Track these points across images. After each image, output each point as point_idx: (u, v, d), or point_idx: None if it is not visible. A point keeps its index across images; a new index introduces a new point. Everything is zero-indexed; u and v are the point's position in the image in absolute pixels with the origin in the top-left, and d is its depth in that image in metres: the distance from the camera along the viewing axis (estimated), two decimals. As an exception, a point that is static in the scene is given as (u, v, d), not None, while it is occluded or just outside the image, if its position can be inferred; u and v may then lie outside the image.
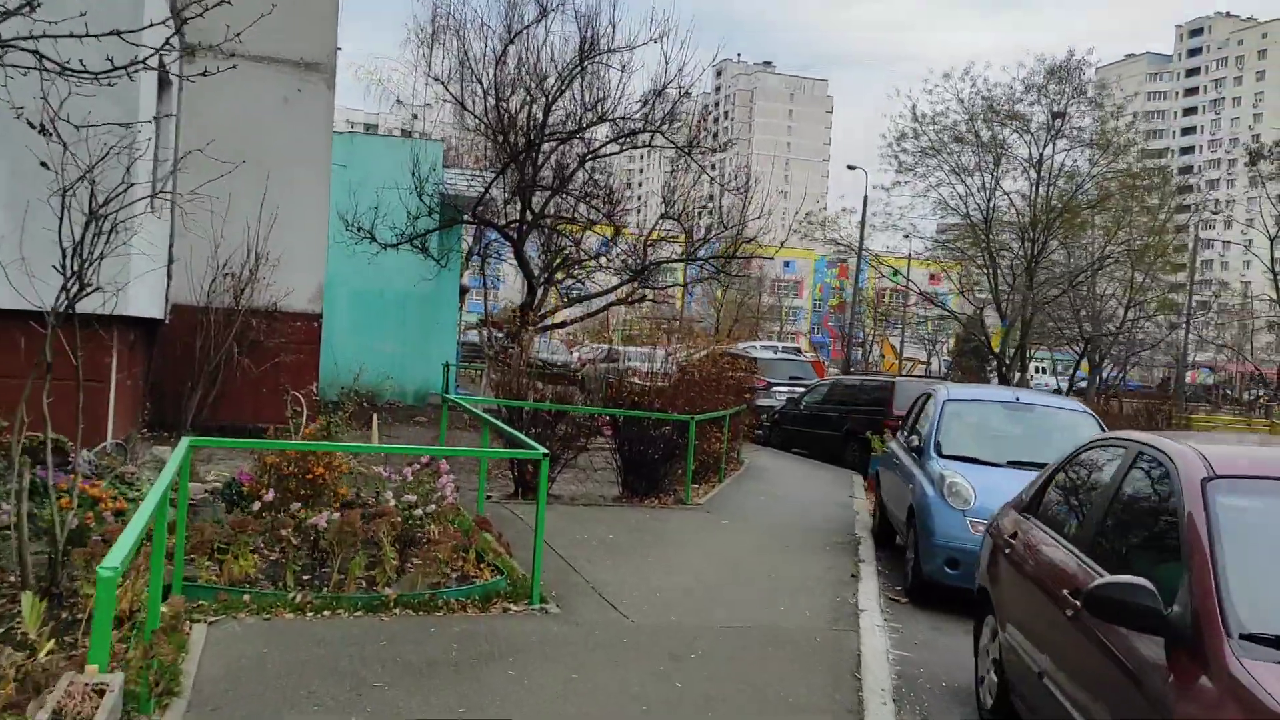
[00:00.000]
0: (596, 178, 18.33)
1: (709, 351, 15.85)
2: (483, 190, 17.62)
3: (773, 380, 21.94)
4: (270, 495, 7.19)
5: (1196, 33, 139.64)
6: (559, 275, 20.44)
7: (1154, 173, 31.94)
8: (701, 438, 12.84)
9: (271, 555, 7.04)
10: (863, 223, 36.51)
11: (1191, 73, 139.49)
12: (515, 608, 6.69)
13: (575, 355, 25.41)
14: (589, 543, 9.08)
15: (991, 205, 31.99)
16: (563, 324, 19.09)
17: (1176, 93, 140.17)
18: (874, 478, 12.00)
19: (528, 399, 11.54)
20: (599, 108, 17.48)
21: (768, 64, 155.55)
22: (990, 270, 31.03)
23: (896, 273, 68.71)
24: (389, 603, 6.38)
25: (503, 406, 11.51)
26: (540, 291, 19.65)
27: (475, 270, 27.30)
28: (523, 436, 7.64)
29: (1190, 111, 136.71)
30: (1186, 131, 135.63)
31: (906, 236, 35.01)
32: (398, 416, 18.85)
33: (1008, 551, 5.42)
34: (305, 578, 6.78)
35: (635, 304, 19.64)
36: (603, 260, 19.06)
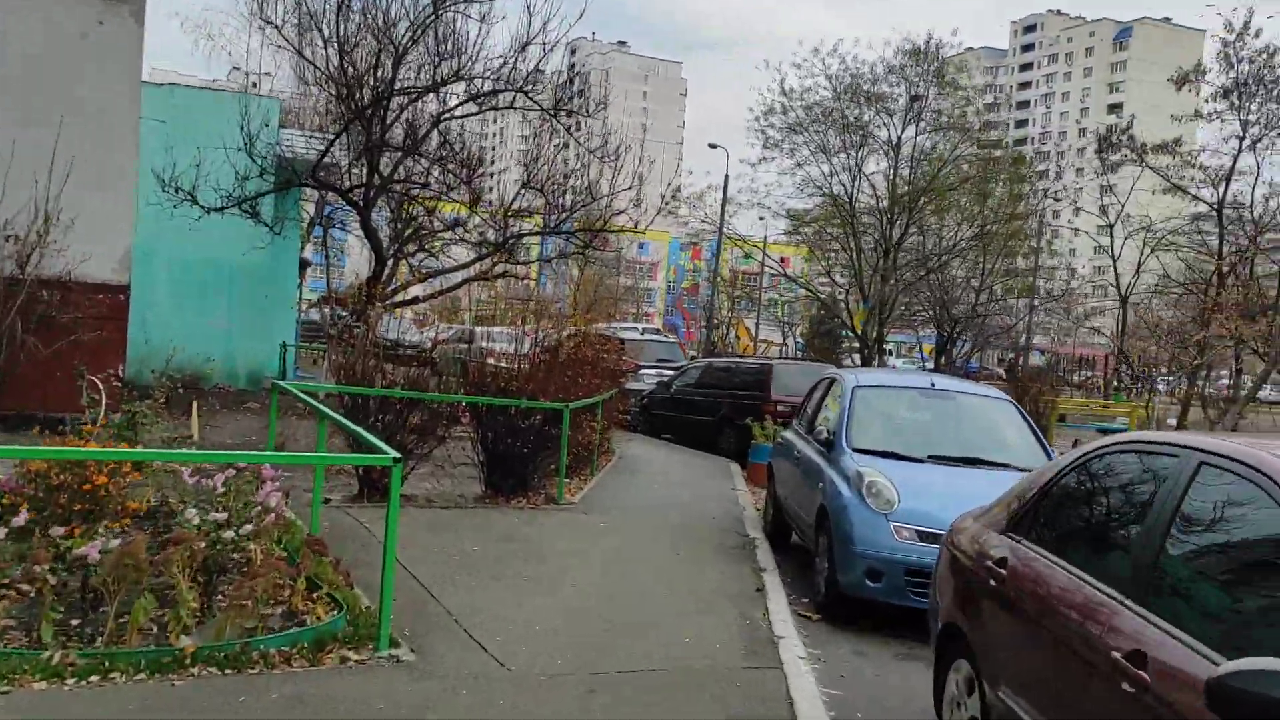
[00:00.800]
0: (452, 140, 16.65)
1: (580, 331, 14.48)
2: (322, 150, 15.71)
3: (641, 363, 20.76)
4: (24, 516, 5.45)
5: (1030, 29, 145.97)
6: (410, 248, 18.68)
7: (1011, 159, 32.26)
8: (574, 427, 11.51)
9: (33, 593, 5.34)
10: (723, 200, 35.76)
11: (1025, 67, 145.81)
12: (357, 656, 5.20)
13: (426, 335, 23.56)
14: (450, 557, 7.62)
15: (856, 185, 31.69)
16: (414, 301, 17.38)
17: (1011, 86, 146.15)
18: (767, 471, 10.92)
19: (375, 384, 9.94)
20: (455, 63, 15.81)
21: (622, 44, 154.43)
22: (854, 251, 30.73)
23: (748, 256, 68.85)
24: (185, 659, 4.80)
25: (346, 394, 9.86)
26: (390, 265, 17.88)
27: (319, 244, 25.12)
28: (368, 435, 6.12)
29: (1023, 105, 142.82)
30: (1020, 124, 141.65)
31: (761, 218, 34.39)
32: (227, 403, 16.80)
33: (993, 584, 4.28)
34: (75, 623, 5.13)
35: (494, 280, 18.08)
36: (459, 232, 17.41)
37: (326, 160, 16.56)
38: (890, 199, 31.78)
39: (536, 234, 18.21)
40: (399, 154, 16.68)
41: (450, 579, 6.96)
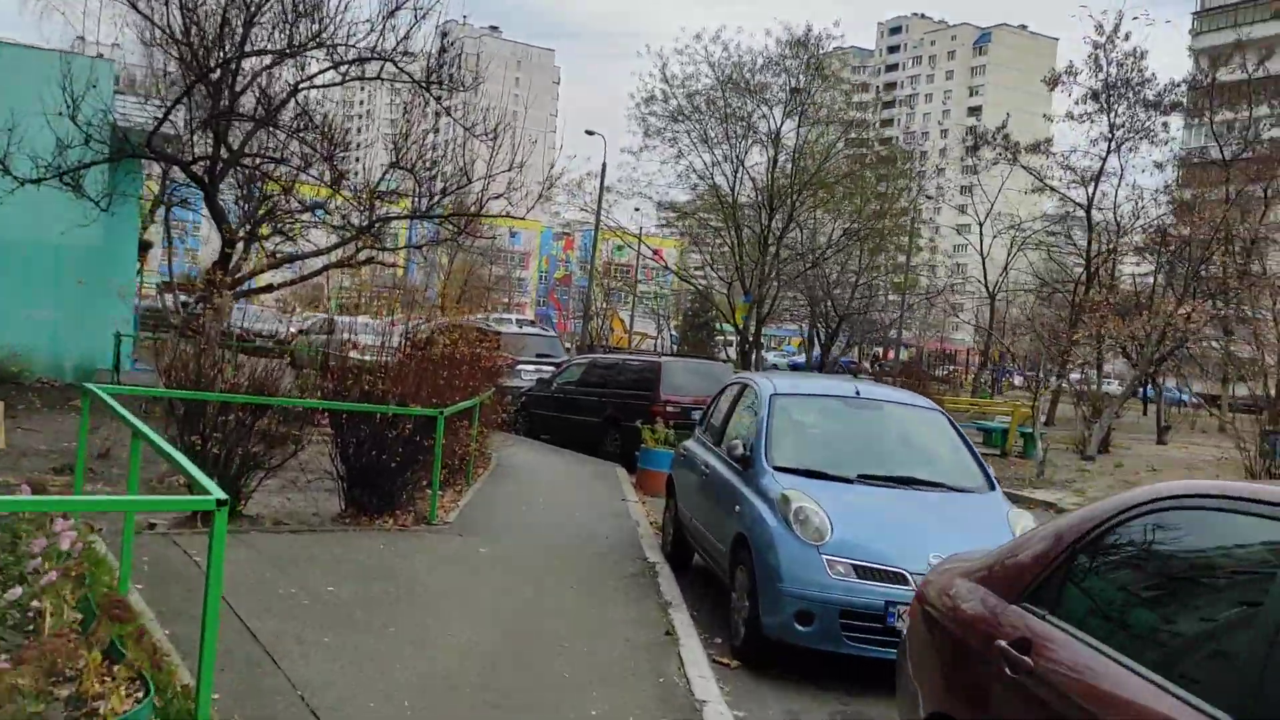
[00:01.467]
0: (311, 111, 15.01)
1: (454, 325, 13.15)
2: (160, 117, 13.88)
3: (518, 358, 19.47)
4: None
5: (896, 30, 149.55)
6: (264, 230, 16.93)
7: (891, 155, 32.21)
8: (449, 433, 10.24)
9: None
10: (601, 187, 34.67)
11: (891, 68, 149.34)
12: (163, 771, 3.89)
13: (283, 324, 21.76)
14: (300, 605, 6.29)
15: (738, 177, 31.08)
16: (269, 288, 15.69)
17: (878, 86, 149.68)
18: (666, 485, 9.88)
19: (215, 386, 8.43)
20: (314, 24, 14.20)
21: (494, 29, 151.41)
22: (735, 244, 30.10)
23: (621, 248, 67.93)
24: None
25: (179, 400, 8.33)
26: (241, 248, 16.13)
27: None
28: (189, 467, 4.74)
29: (889, 105, 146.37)
30: (885, 124, 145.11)
31: (638, 209, 33.52)
32: (49, 400, 14.82)
33: (1010, 673, 3.29)
34: None
35: (358, 267, 16.53)
36: (320, 214, 15.79)
37: (167, 130, 14.72)
38: (770, 191, 31.30)
39: (405, 218, 16.73)
40: (251, 126, 14.96)
41: (299, 636, 5.65)
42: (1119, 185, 34.08)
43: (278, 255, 16.31)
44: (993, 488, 7.20)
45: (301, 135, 14.56)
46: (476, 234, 17.99)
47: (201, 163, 14.75)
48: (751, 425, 7.67)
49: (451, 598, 6.82)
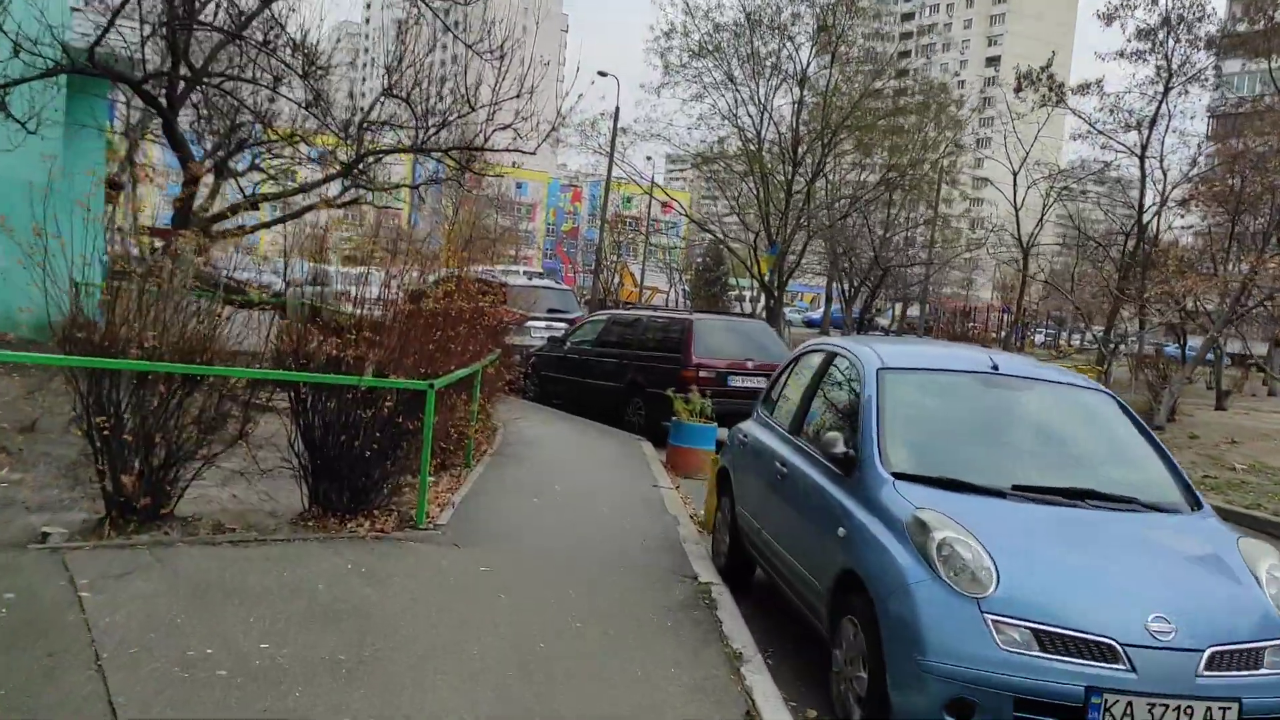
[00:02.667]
0: (283, 19, 12.79)
1: (452, 274, 11.05)
2: (104, 27, 11.67)
3: (528, 314, 17.39)
4: None
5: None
6: (238, 166, 14.83)
7: (924, 99, 29.76)
8: (443, 407, 8.23)
9: None
10: (614, 130, 32.29)
11: (907, 17, 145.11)
12: None
13: (281, 277, 19.91)
14: (212, 677, 4.28)
15: (765, 118, 28.71)
16: (240, 230, 13.59)
17: (894, 35, 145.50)
18: (717, 478, 7.84)
19: (131, 349, 6.36)
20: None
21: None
22: (761, 192, 27.83)
23: (630, 199, 65.37)
24: None
25: (83, 369, 6.29)
26: (212, 183, 14.06)
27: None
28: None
29: (905, 55, 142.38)
30: (900, 74, 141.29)
31: (649, 158, 31.01)
32: (-11, 360, 12.78)
33: None
34: None
35: (348, 208, 14.42)
36: (300, 148, 13.62)
37: (119, 47, 12.53)
38: (794, 136, 28.94)
39: (398, 151, 14.56)
40: (217, 40, 12.77)
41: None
42: (1165, 132, 31.75)
43: (256, 195, 14.18)
44: (1199, 504, 5.13)
45: (273, 49, 12.36)
46: (481, 172, 15.81)
47: (159, 82, 12.57)
48: (849, 411, 5.61)
49: (438, 658, 4.80)
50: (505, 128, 14.32)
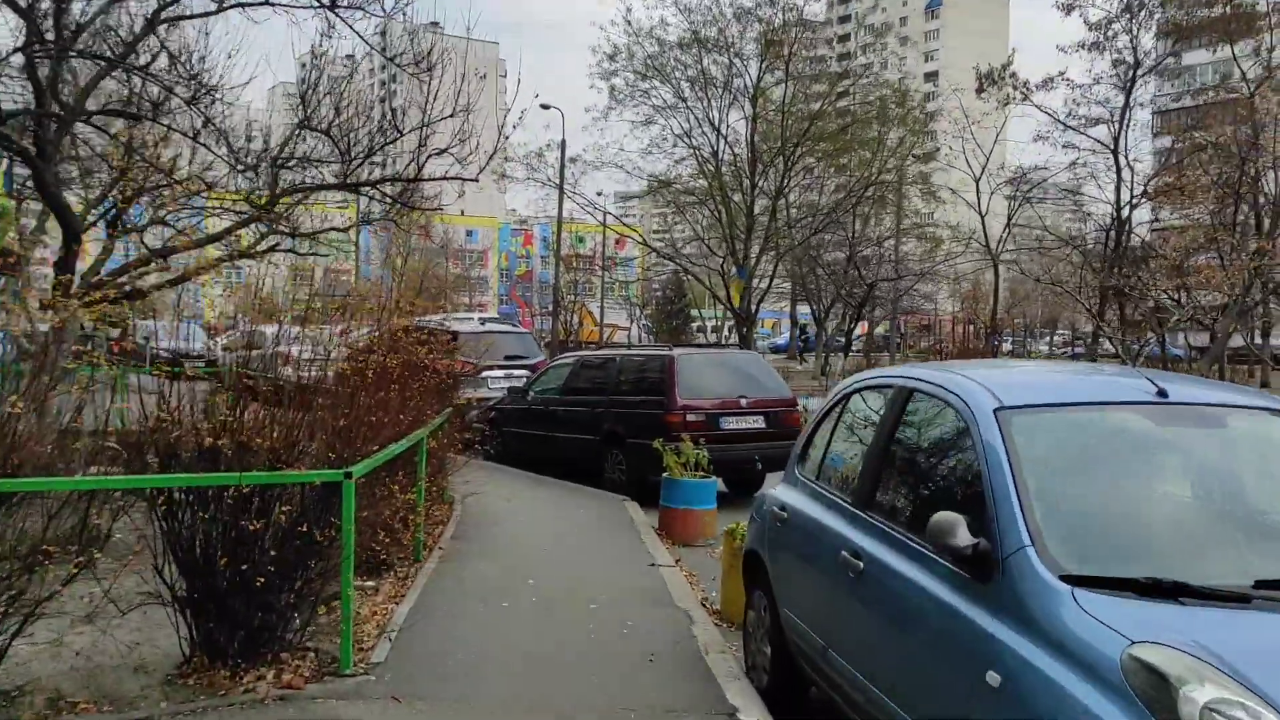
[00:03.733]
0: (173, 49, 10.85)
1: (385, 328, 9.14)
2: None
3: (484, 362, 15.46)
4: None
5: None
6: (141, 222, 12.83)
7: (890, 97, 28.34)
8: (371, 496, 6.28)
9: None
10: (562, 159, 30.56)
11: (843, 39, 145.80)
12: None
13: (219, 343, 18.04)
14: None
15: (721, 137, 27.12)
16: (137, 294, 11.53)
17: (832, 58, 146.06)
18: (746, 564, 5.93)
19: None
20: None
21: (435, 24, 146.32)
22: (723, 213, 26.17)
23: (582, 239, 63.79)
24: None
25: None
26: (105, 242, 12.08)
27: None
28: None
29: (843, 76, 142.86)
30: (841, 95, 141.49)
31: (599, 193, 29.16)
32: None
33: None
34: None
35: (261, 257, 12.42)
36: (193, 186, 11.63)
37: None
38: (751, 154, 27.39)
39: (319, 189, 12.61)
40: (99, 66, 10.81)
41: None
42: (1124, 126, 30.60)
43: (154, 249, 12.18)
44: None
45: (153, 75, 10.41)
46: (420, 208, 13.91)
47: (20, 124, 10.58)
48: (960, 476, 3.74)
49: None
50: (441, 152, 12.43)
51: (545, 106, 40.64)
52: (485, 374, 15.69)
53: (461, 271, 73.47)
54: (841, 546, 4.31)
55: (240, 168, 11.31)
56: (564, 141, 31.61)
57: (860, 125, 26.21)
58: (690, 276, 31.54)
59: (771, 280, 28.33)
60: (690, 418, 11.16)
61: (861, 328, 59.01)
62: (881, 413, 4.52)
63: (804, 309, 60.38)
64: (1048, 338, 60.83)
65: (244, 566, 4.89)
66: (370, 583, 7.03)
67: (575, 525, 9.79)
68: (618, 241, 59.98)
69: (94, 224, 11.51)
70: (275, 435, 5.14)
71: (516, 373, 15.58)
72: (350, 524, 5.02)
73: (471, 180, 12.69)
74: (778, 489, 5.52)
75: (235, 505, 4.93)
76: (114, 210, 12.26)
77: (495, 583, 7.25)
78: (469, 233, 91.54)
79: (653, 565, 8.05)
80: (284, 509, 4.85)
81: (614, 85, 27.13)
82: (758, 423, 11.71)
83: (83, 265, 11.76)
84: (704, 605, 7.16)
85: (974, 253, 40.21)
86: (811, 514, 4.82)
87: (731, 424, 11.49)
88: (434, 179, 12.99)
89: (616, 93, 27.34)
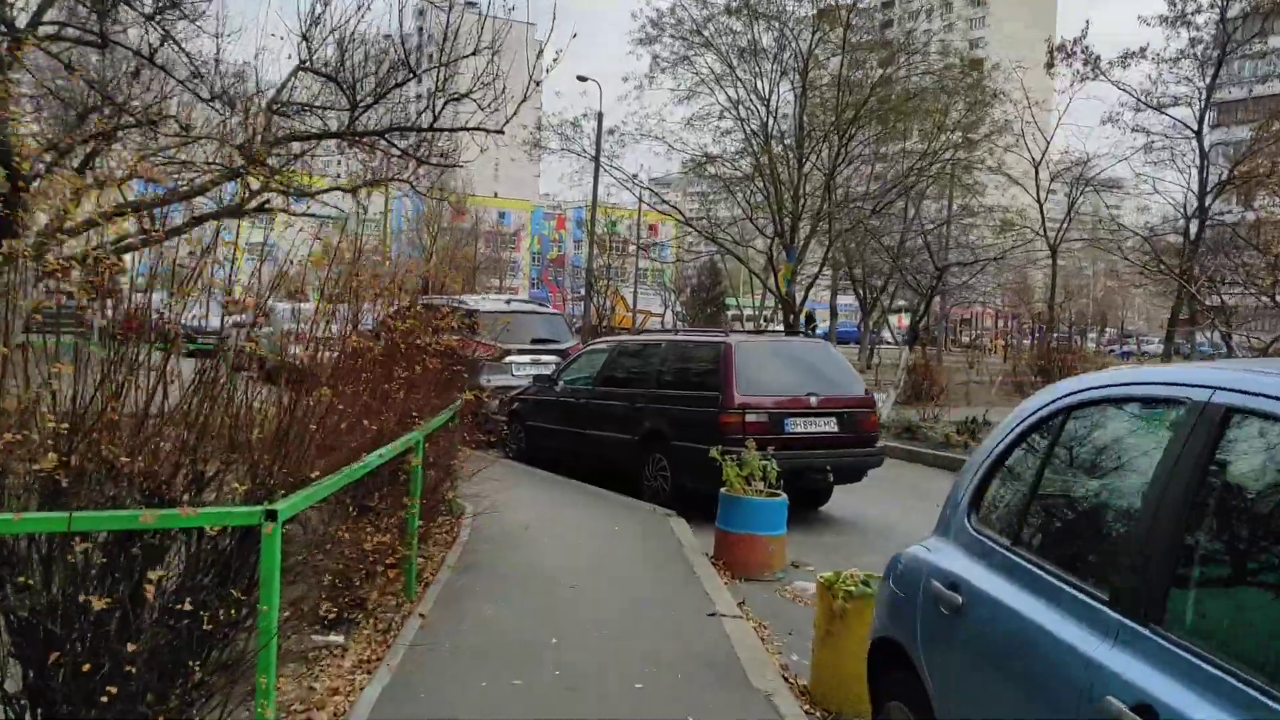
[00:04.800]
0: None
1: (387, 307, 7.26)
2: None
3: (508, 346, 13.61)
4: None
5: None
6: (118, 173, 11.06)
7: (960, 68, 26.16)
8: (328, 541, 4.45)
9: None
10: (598, 137, 28.59)
11: (885, 25, 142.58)
12: None
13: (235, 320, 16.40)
14: None
15: (771, 113, 25.04)
16: (99, 251, 9.83)
17: (876, 8, 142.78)
18: (883, 655, 4.04)
19: None
20: None
21: (470, 3, 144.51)
22: (774, 192, 24.15)
23: (615, 224, 61.88)
24: None
25: None
26: (69, 192, 10.29)
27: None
28: None
29: (887, 63, 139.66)
30: (883, 83, 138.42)
31: (635, 177, 26.99)
32: None
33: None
34: None
35: (253, 215, 10.64)
36: (168, 129, 9.86)
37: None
38: (798, 129, 25.32)
39: (316, 137, 10.79)
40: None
41: None
42: (1206, 107, 28.26)
43: (133, 202, 10.44)
44: None
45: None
46: (437, 163, 12.07)
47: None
48: None
49: None
50: (462, 97, 10.63)
51: (582, 78, 38.87)
52: (509, 359, 13.89)
53: (490, 252, 71.70)
54: (1103, 685, 2.41)
55: (217, 104, 9.49)
56: (601, 114, 29.69)
57: (924, 97, 24.09)
58: (730, 259, 29.50)
59: (822, 265, 26.26)
60: (750, 418, 9.26)
61: (898, 320, 56.71)
62: (1167, 444, 2.59)
63: (844, 300, 58.16)
64: (1094, 335, 58.28)
65: (100, 663, 3.06)
66: (336, 637, 5.21)
67: (611, 551, 7.91)
68: (652, 227, 57.82)
69: (50, 167, 9.73)
70: (161, 448, 3.30)
71: (545, 358, 13.72)
72: (273, 592, 3.18)
73: (496, 132, 10.84)
74: (932, 547, 3.60)
75: (86, 566, 3.10)
76: (86, 154, 10.57)
77: (506, 641, 5.40)
78: (501, 215, 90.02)
79: (713, 615, 6.17)
80: (147, 576, 2.99)
81: (656, 53, 25.13)
82: (829, 425, 9.78)
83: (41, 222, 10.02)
84: (786, 677, 5.30)
85: (1024, 242, 37.90)
86: (1018, 607, 2.90)
87: (798, 426, 9.57)
88: (453, 129, 11.16)
89: (659, 61, 25.35)
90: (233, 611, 3.21)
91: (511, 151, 30.59)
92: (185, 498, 3.36)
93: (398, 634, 5.40)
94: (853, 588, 5.04)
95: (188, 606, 3.04)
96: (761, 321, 41.70)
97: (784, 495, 7.82)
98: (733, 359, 9.56)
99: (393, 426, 5.23)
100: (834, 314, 56.18)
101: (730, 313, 57.89)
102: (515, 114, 10.91)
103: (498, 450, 12.41)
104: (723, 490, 7.79)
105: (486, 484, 9.00)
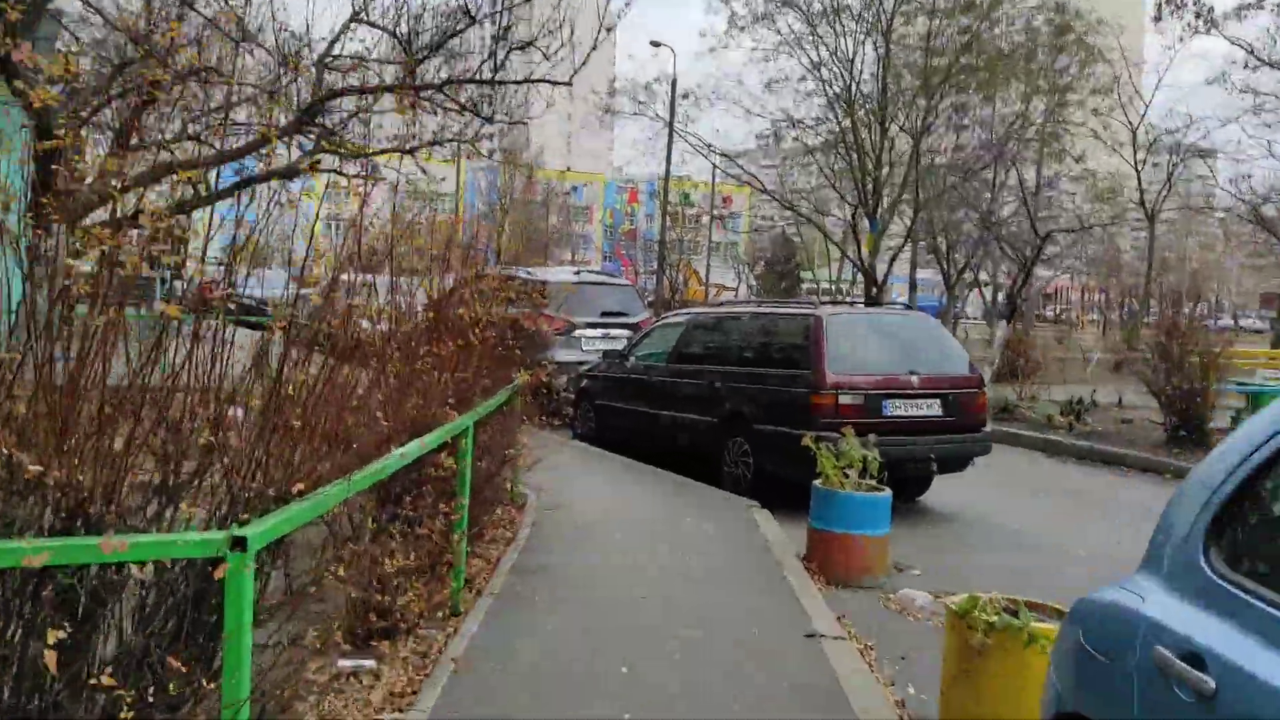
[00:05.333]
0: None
1: (455, 276, 6.42)
2: None
3: (577, 320, 12.75)
4: None
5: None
6: (166, 136, 10.41)
7: (1056, 19, 24.40)
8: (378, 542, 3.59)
9: None
10: (672, 101, 27.53)
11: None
12: None
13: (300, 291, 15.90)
14: None
15: (853, 78, 23.67)
16: (133, 218, 9.24)
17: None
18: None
19: None
20: None
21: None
22: (857, 157, 22.85)
23: (688, 196, 60.69)
24: None
25: None
26: (108, 153, 9.64)
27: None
28: None
29: (967, 10, 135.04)
30: (963, 32, 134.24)
31: (710, 147, 25.64)
32: None
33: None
34: None
35: (309, 174, 9.93)
36: (216, 74, 9.17)
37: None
38: (881, 93, 23.93)
39: (370, 91, 9.99)
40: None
41: None
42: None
43: (169, 162, 9.72)
44: None
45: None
46: (501, 119, 11.21)
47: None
48: None
49: None
50: (525, 45, 9.74)
51: (655, 44, 37.73)
52: (578, 333, 13.03)
53: (561, 224, 70.91)
54: None
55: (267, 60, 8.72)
56: (675, 79, 28.60)
57: (1016, 56, 22.54)
58: (804, 230, 28.34)
59: (908, 237, 24.85)
60: (844, 400, 8.25)
61: (976, 293, 54.59)
62: None
63: (922, 274, 56.23)
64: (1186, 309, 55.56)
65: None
66: (367, 661, 4.39)
67: (689, 550, 6.99)
68: (726, 199, 56.40)
69: (81, 121, 9.08)
70: (104, 448, 2.46)
71: (615, 332, 12.82)
72: (242, 658, 2.32)
73: (565, 84, 9.92)
74: (1145, 594, 2.59)
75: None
76: (129, 114, 9.89)
77: (567, 672, 4.52)
78: (573, 188, 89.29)
79: (810, 636, 5.22)
80: (53, 637, 2.14)
81: (734, 9, 23.88)
82: (933, 408, 8.72)
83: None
84: (903, 717, 4.35)
85: (1124, 210, 35.81)
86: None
87: (898, 409, 8.52)
88: (517, 81, 10.26)
89: (737, 19, 24.12)
90: (193, 684, 2.36)
91: (583, 116, 29.65)
92: (140, 518, 2.52)
93: (440, 656, 4.56)
94: (994, 618, 4.05)
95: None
96: (841, 295, 40.34)
97: (888, 490, 6.82)
98: (824, 333, 8.54)
99: (433, 411, 4.36)
100: (913, 287, 54.37)
101: (804, 285, 56.43)
102: (585, 63, 9.99)
103: (566, 430, 11.60)
104: (817, 483, 6.81)
105: (552, 472, 8.16)
